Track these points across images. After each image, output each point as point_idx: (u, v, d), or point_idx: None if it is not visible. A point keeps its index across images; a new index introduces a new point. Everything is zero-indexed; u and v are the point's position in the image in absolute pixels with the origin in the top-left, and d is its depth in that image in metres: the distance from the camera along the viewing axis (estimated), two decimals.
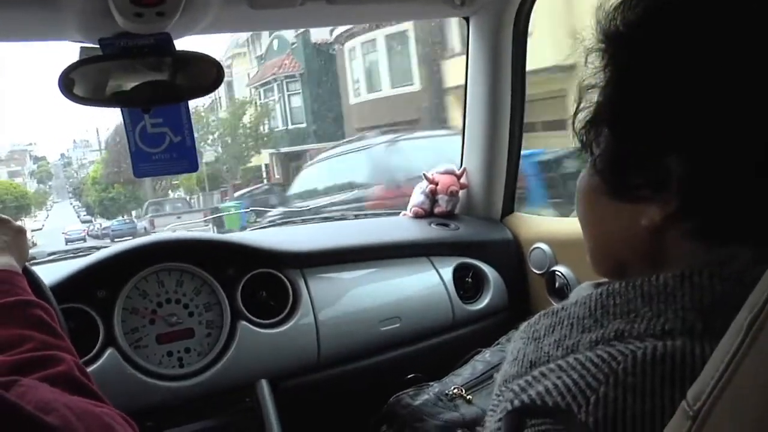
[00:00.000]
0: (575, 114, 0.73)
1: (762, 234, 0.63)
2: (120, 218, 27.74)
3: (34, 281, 1.21)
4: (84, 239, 24.05)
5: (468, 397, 1.49)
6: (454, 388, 1.53)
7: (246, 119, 23.75)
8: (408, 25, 14.55)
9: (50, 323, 1.02)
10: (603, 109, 0.70)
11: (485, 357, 1.59)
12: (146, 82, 1.44)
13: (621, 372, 0.58)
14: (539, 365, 0.65)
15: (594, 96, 0.71)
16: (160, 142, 1.50)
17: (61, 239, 21.92)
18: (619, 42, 0.68)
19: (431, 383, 1.56)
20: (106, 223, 27.19)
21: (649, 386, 0.57)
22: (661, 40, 0.65)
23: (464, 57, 2.09)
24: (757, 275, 0.49)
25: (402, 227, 2.19)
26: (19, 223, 1.26)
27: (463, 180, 2.17)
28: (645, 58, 0.65)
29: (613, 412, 0.57)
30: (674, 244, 0.67)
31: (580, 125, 0.72)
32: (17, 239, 1.22)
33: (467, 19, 2.01)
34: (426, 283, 1.92)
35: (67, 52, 1.47)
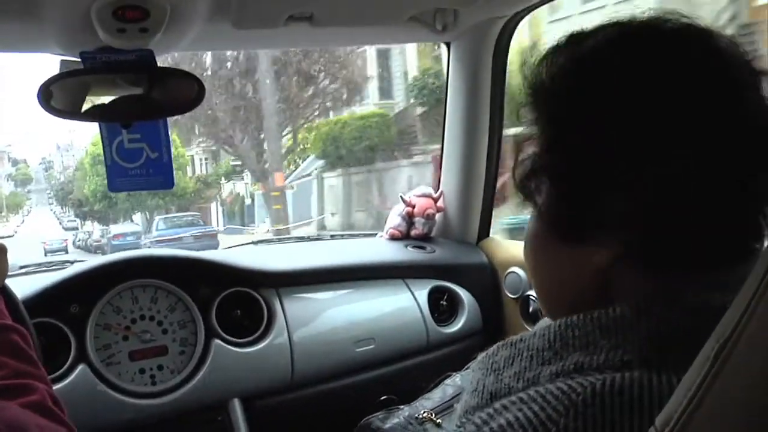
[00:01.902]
0: (514, 167, 0.75)
1: (706, 261, 0.65)
2: (172, 215, 19.31)
3: (10, 301, 1.18)
4: (66, 250, 21.63)
5: (438, 420, 1.49)
6: (424, 412, 1.53)
7: None
8: None
9: (26, 349, 1.00)
10: (540, 159, 0.71)
11: (456, 381, 1.59)
12: (125, 97, 1.44)
13: (581, 404, 0.59)
14: (500, 397, 0.66)
15: (529, 148, 0.73)
16: (137, 157, 1.50)
17: (38, 249, 20.20)
18: (547, 93, 0.71)
19: (401, 406, 1.56)
20: (114, 229, 20.62)
21: (609, 417, 0.58)
22: (587, 87, 0.68)
23: None
24: (714, 304, 0.50)
25: (378, 249, 2.20)
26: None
27: (440, 203, 2.18)
28: (574, 106, 0.68)
29: None
30: (624, 280, 0.68)
31: (520, 177, 0.74)
32: None
33: (448, 45, 2.04)
34: (401, 305, 1.92)
35: (48, 61, 1.46)
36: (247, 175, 19.90)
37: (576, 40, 0.72)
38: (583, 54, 0.69)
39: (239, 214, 20.65)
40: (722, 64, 0.66)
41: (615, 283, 0.69)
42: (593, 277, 0.70)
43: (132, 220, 23.41)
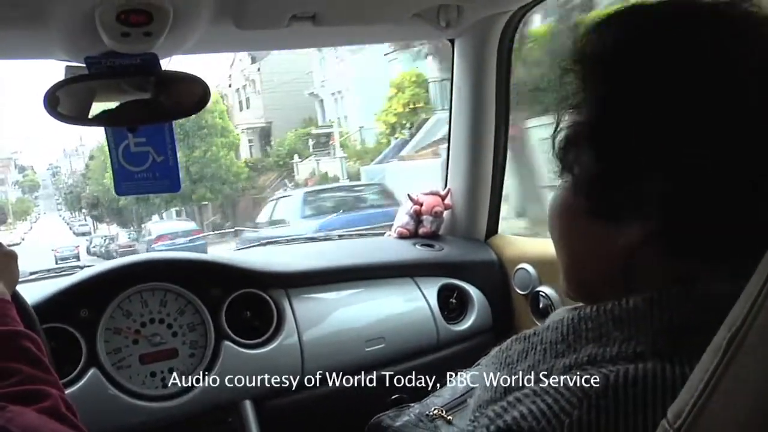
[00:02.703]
0: (554, 134, 0.74)
1: (723, 253, 0.65)
2: (320, 187, 13.63)
3: (21, 307, 1.18)
4: (77, 257, 20.66)
5: (448, 417, 1.49)
6: (435, 409, 1.53)
7: None
8: None
9: (38, 356, 1.00)
10: (584, 129, 0.70)
11: (466, 378, 1.59)
12: (131, 101, 1.44)
13: (594, 396, 0.59)
14: (513, 391, 0.66)
15: (572, 117, 0.72)
16: (143, 161, 1.51)
17: (48, 257, 19.64)
18: (598, 63, 0.70)
19: (412, 404, 1.56)
20: (156, 229, 17.29)
21: (622, 409, 0.58)
22: (641, 61, 0.66)
23: None
24: (724, 293, 0.50)
25: (386, 248, 2.19)
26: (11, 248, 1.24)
27: (447, 201, 2.18)
28: (627, 79, 0.67)
29: None
30: (644, 266, 0.68)
31: (559, 145, 0.73)
32: (7, 264, 1.18)
33: (452, 42, 2.03)
34: (410, 304, 1.92)
35: (53, 66, 1.47)
36: (335, 148, 14.58)
37: (634, 12, 0.70)
38: (641, 28, 0.68)
39: None
40: None
41: (635, 268, 0.68)
42: (616, 258, 0.69)
43: (162, 218, 20.57)
